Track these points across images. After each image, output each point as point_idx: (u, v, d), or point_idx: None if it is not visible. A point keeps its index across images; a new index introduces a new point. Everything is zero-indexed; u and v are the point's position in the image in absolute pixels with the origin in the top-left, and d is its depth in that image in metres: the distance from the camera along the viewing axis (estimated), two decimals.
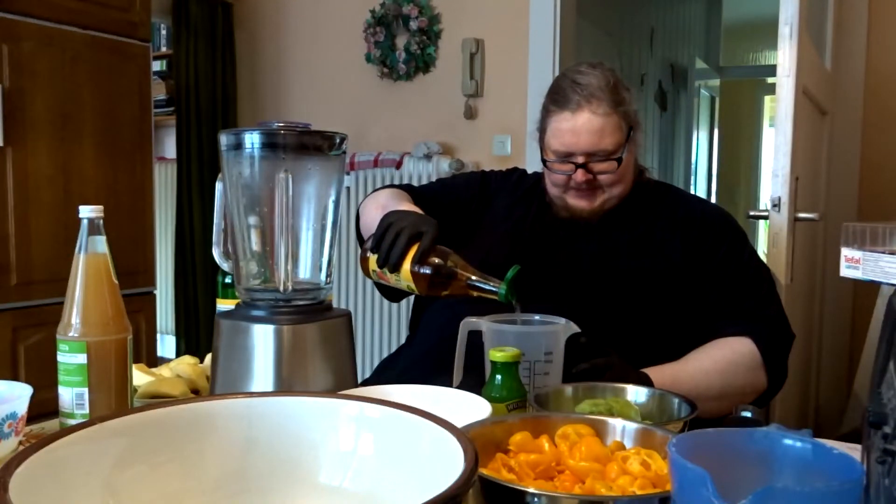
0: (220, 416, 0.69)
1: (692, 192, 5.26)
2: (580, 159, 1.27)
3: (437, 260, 1.04)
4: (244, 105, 3.74)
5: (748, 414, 0.96)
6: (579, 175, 1.27)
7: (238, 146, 0.98)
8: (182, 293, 3.66)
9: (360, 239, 1.42)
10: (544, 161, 1.32)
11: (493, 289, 1.03)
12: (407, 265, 1.05)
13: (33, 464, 0.55)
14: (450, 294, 1.06)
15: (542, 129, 1.33)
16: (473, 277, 1.04)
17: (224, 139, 0.99)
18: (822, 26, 2.49)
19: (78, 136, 2.76)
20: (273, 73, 3.68)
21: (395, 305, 3.21)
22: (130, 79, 2.93)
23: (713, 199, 5.89)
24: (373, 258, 1.10)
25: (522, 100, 3.03)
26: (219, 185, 1.04)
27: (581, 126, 1.25)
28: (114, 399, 0.93)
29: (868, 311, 2.37)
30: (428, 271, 1.04)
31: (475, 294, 1.05)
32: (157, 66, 4.06)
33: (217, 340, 0.98)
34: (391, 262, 1.06)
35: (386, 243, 1.06)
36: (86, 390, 0.90)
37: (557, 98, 1.28)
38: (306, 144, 0.98)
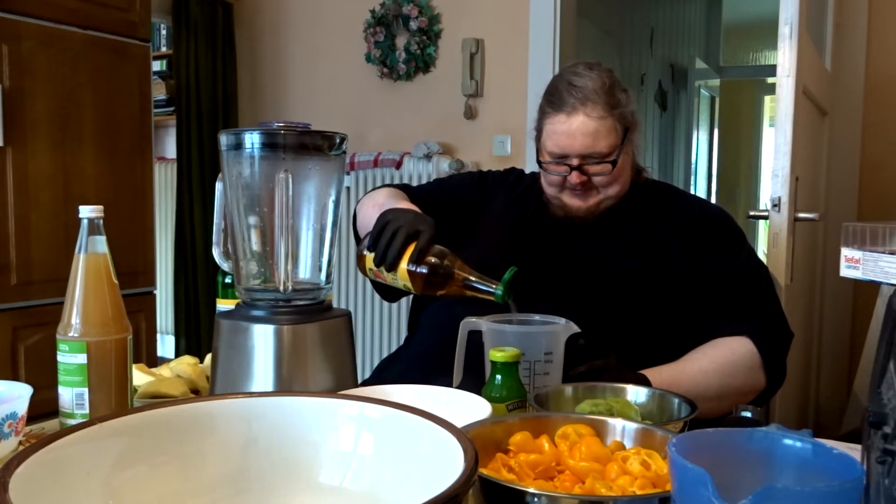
0: (220, 416, 0.69)
1: (692, 192, 5.27)
2: (575, 161, 1.27)
3: (433, 259, 1.04)
4: (244, 105, 3.74)
5: (748, 414, 0.96)
6: (574, 177, 1.28)
7: (238, 146, 0.98)
8: (182, 293, 3.66)
9: (357, 238, 1.42)
10: (540, 162, 1.33)
11: (490, 289, 1.03)
12: (404, 264, 1.05)
13: (33, 464, 0.55)
14: (446, 294, 1.06)
15: (539, 130, 1.33)
16: (470, 278, 1.04)
17: (224, 139, 0.99)
18: (822, 26, 2.49)
19: (78, 136, 2.76)
20: (273, 73, 3.68)
21: (394, 305, 3.21)
22: (130, 79, 2.93)
23: (713, 200, 5.89)
24: (369, 256, 1.09)
25: (522, 100, 3.03)
26: (219, 185, 1.04)
27: (576, 129, 1.25)
28: (114, 399, 0.93)
29: (868, 311, 2.37)
30: (424, 270, 1.04)
31: (471, 294, 1.05)
32: (157, 66, 4.06)
33: (217, 340, 0.98)
34: (388, 261, 1.06)
35: (383, 242, 1.06)
36: (86, 390, 0.91)
37: (553, 100, 1.28)
38: (306, 144, 0.98)
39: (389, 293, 1.28)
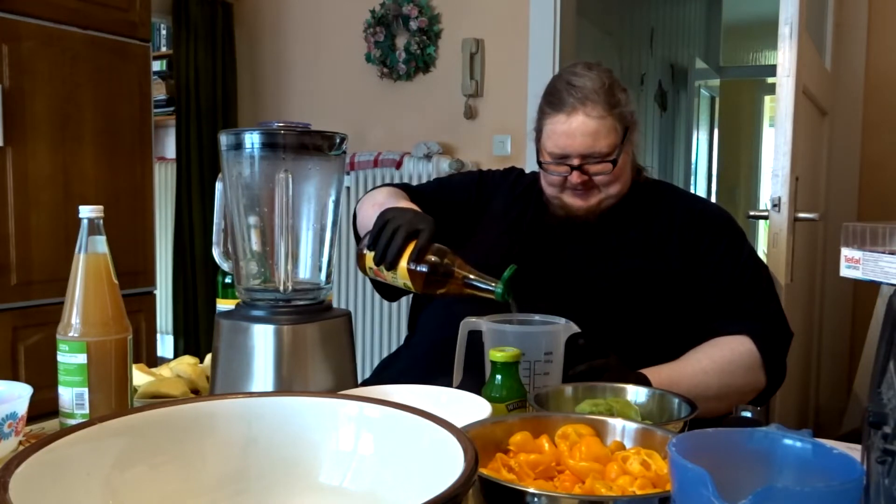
0: (220, 416, 0.69)
1: (692, 191, 5.26)
2: (575, 161, 1.27)
3: (433, 258, 1.04)
4: (244, 105, 3.74)
5: (748, 414, 0.96)
6: (574, 177, 1.28)
7: (238, 146, 0.98)
8: (181, 293, 3.66)
9: (357, 238, 1.42)
10: (540, 163, 1.33)
11: (490, 287, 1.03)
12: (404, 263, 1.05)
13: (33, 464, 0.55)
14: (446, 293, 1.06)
15: (538, 131, 1.33)
16: (470, 276, 1.04)
17: (224, 139, 0.99)
18: (822, 26, 2.49)
19: (78, 136, 2.76)
20: (273, 73, 3.67)
21: (394, 305, 3.21)
22: (130, 79, 2.93)
23: (713, 199, 5.89)
24: (369, 255, 1.10)
25: (522, 100, 3.03)
26: (219, 185, 1.04)
27: (576, 129, 1.25)
28: (114, 399, 0.93)
29: (868, 311, 2.37)
30: (424, 269, 1.04)
31: (471, 293, 1.05)
32: (157, 66, 4.06)
33: (217, 340, 0.98)
34: (388, 260, 1.06)
35: (383, 240, 1.07)
36: (86, 390, 0.91)
37: (553, 100, 1.28)
38: (306, 144, 0.98)
39: (389, 292, 1.28)
